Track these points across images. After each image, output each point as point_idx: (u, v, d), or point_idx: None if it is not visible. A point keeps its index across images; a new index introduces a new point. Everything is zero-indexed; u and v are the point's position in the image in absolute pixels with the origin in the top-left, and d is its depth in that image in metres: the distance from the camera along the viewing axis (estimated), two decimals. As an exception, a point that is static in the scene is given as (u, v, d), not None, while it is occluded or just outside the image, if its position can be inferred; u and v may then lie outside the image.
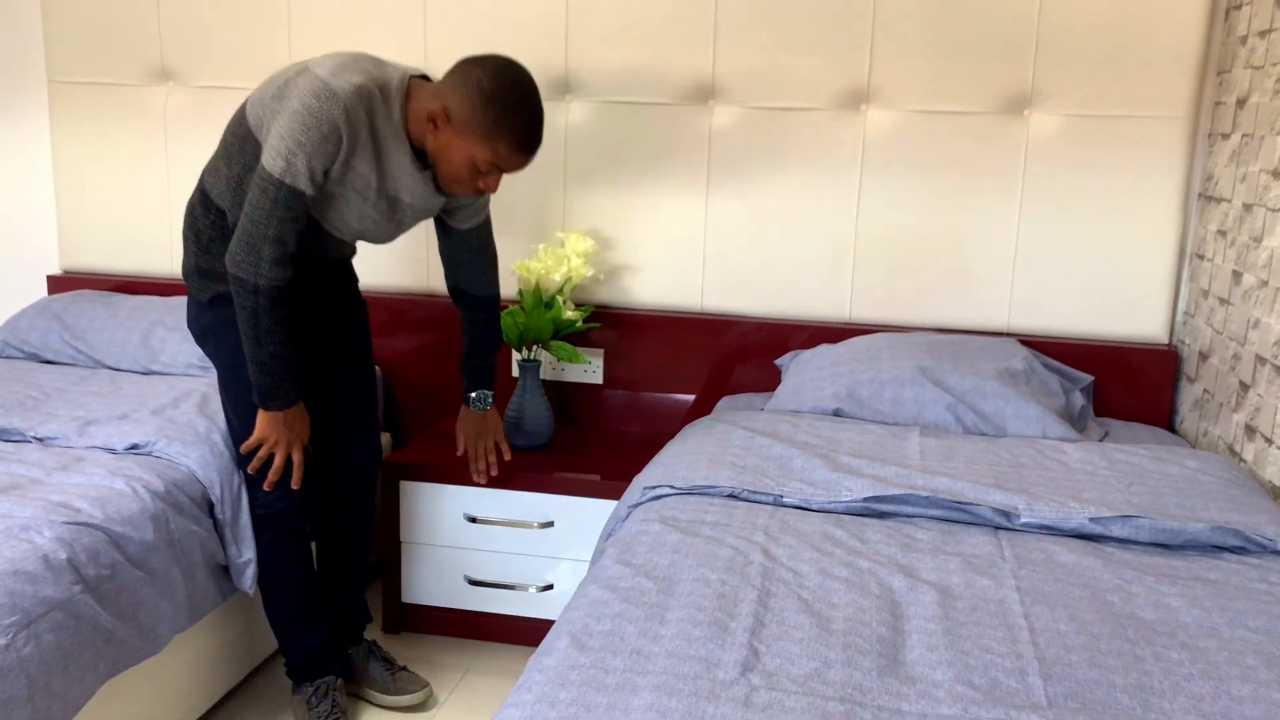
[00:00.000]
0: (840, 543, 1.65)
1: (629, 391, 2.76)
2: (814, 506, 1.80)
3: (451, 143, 1.89)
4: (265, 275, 1.86)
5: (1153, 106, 2.42)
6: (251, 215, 1.85)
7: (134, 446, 2.02)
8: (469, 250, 2.19)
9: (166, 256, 2.94)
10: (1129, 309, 2.51)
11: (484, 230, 2.20)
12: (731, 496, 1.83)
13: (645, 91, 2.63)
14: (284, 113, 1.83)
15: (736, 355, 2.70)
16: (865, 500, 1.78)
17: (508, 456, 2.35)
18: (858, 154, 2.57)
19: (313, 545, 2.23)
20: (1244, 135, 2.22)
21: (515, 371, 2.78)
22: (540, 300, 2.53)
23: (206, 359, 2.48)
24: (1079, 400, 2.37)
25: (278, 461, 1.99)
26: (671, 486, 1.85)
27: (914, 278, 2.60)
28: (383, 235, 2.07)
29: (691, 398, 2.72)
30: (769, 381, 2.67)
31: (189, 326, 2.11)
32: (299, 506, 2.10)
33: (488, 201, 2.18)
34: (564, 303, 2.56)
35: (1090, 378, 2.49)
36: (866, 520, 1.75)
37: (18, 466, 1.90)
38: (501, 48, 2.66)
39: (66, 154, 2.94)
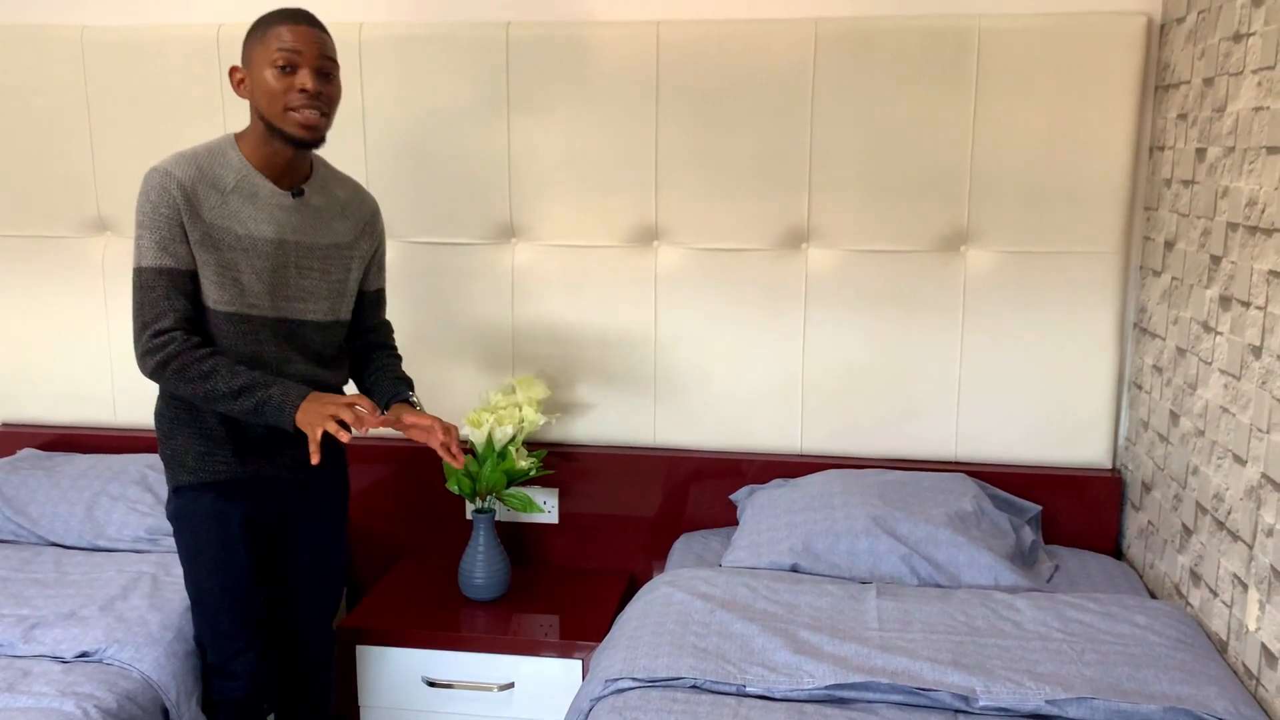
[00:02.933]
0: (804, 746, 1.66)
1: (585, 528, 2.76)
2: (776, 695, 1.80)
3: (253, 75, 1.91)
4: (164, 346, 1.86)
5: (1084, 242, 2.48)
6: (132, 313, 1.89)
7: (84, 654, 1.98)
8: (377, 315, 2.22)
9: (108, 407, 2.89)
10: (1073, 436, 2.57)
11: (382, 293, 2.24)
12: (695, 688, 1.83)
13: (588, 235, 2.65)
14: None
15: (691, 488, 2.71)
16: (827, 688, 1.79)
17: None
18: (801, 291, 2.61)
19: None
20: (1173, 278, 2.29)
21: (469, 514, 2.76)
22: (494, 451, 2.52)
23: (154, 532, 2.45)
24: (1028, 535, 2.42)
25: (346, 418, 1.83)
26: (633, 679, 1.85)
27: (862, 410, 2.64)
28: (295, 294, 2.00)
29: (648, 531, 2.73)
30: (725, 514, 2.68)
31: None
32: (255, 694, 2.08)
33: (384, 258, 2.21)
34: (516, 451, 2.55)
35: (1038, 508, 2.53)
36: (828, 710, 1.77)
37: (-38, 690, 1.85)
38: (445, 197, 2.67)
39: (2, 307, 2.89)
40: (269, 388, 1.87)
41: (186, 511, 2.00)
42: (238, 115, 2.69)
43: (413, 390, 2.13)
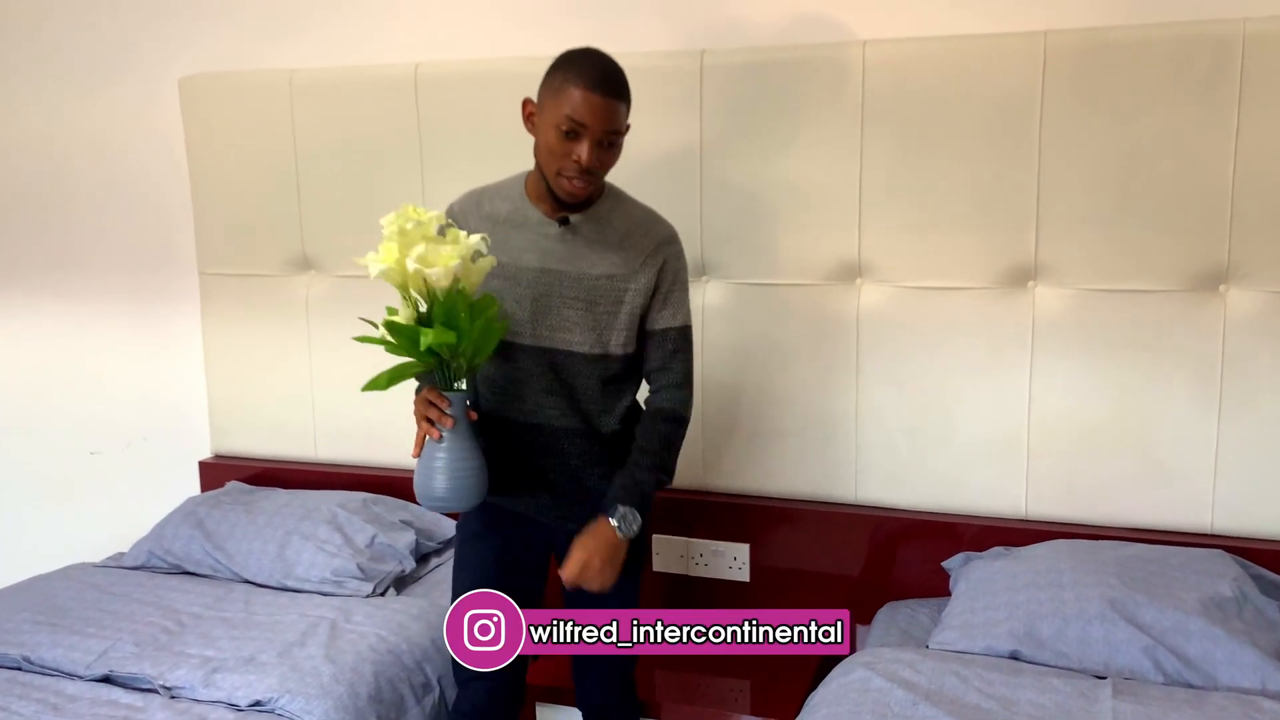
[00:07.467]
0: None
1: (779, 588, 2.56)
2: (987, 815, 1.55)
3: (539, 124, 1.87)
4: None
5: (1379, 281, 2.09)
6: None
7: (257, 703, 1.95)
8: (658, 357, 1.99)
9: (309, 442, 2.94)
10: (1360, 510, 2.16)
11: (678, 337, 2.00)
12: (890, 796, 1.60)
13: (783, 271, 2.46)
14: None
15: (898, 551, 2.46)
16: (1049, 812, 1.53)
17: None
18: (1027, 335, 2.33)
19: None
20: None
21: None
22: (438, 299, 1.76)
23: (340, 574, 2.43)
24: (1305, 629, 2.04)
25: (431, 416, 1.83)
26: (821, 779, 1.64)
27: (1098, 472, 2.32)
28: (558, 324, 1.93)
29: (848, 595, 2.50)
30: (936, 581, 2.42)
31: None
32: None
33: (684, 301, 2.01)
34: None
35: (1317, 595, 2.14)
36: (1051, 840, 1.50)
37: (141, 736, 1.85)
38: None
39: (216, 344, 2.99)
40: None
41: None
42: (434, 156, 2.68)
43: (615, 514, 1.89)
